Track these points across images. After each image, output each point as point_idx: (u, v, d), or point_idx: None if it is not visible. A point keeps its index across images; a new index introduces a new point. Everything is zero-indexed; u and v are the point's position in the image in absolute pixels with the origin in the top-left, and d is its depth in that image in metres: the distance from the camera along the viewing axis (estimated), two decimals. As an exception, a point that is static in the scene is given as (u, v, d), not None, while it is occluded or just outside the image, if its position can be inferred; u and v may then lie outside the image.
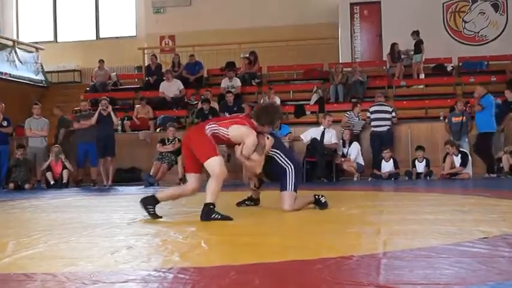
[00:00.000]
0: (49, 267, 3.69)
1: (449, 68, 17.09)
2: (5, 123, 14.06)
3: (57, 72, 20.98)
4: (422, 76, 16.70)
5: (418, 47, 16.52)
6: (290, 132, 13.33)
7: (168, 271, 3.45)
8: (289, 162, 6.56)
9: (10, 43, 19.03)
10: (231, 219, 5.72)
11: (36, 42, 20.79)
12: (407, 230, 4.96)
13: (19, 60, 18.57)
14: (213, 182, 5.82)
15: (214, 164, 5.84)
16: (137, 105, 16.12)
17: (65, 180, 13.40)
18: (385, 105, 13.88)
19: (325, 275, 3.32)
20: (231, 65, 17.51)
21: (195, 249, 4.24)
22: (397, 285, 2.99)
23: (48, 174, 13.40)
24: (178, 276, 3.33)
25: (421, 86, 16.55)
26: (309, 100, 16.09)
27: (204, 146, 5.92)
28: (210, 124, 6.13)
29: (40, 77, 19.44)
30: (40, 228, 5.66)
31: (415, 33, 16.56)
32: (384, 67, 17.59)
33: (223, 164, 5.89)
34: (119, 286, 3.17)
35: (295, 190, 6.51)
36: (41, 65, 19.65)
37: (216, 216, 5.69)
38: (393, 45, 16.76)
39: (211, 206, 5.73)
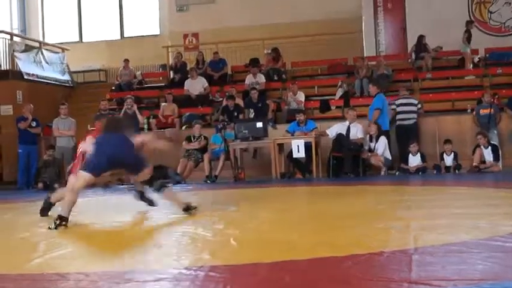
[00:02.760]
0: (81, 267, 3.72)
1: (476, 60, 16.88)
2: (34, 124, 14.22)
3: (83, 72, 21.07)
4: (470, 67, 16.50)
5: (469, 38, 16.32)
6: (316, 128, 13.26)
7: (199, 269, 3.46)
8: None
9: (36, 44, 19.18)
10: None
11: (62, 43, 20.92)
12: (437, 224, 4.92)
13: (45, 61, 18.70)
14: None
15: None
16: (163, 104, 16.14)
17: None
18: (411, 98, 13.75)
19: (356, 272, 3.31)
20: (255, 62, 17.47)
21: (224, 247, 4.25)
22: (430, 281, 2.96)
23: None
24: (210, 275, 3.34)
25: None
26: (334, 95, 16.00)
27: None
28: None
29: (66, 77, 19.56)
30: (70, 228, 5.70)
31: (470, 23, 16.43)
32: (409, 60, 17.45)
33: None
34: (151, 285, 3.19)
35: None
36: (67, 66, 19.79)
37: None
38: (420, 37, 16.57)
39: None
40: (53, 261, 3.97)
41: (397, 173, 12.68)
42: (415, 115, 13.42)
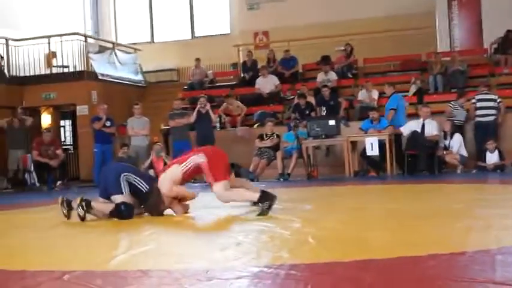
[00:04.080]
0: (163, 264, 3.78)
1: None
2: (108, 124, 14.52)
3: (155, 72, 21.43)
4: None
5: None
6: (390, 125, 13.10)
7: (279, 267, 3.46)
8: None
9: (110, 45, 19.61)
10: None
11: (134, 44, 21.34)
12: (520, 224, 4.80)
13: (119, 61, 19.10)
14: None
15: None
16: (224, 103, 16.16)
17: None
18: (490, 94, 13.40)
19: (438, 272, 3.25)
20: (326, 59, 17.41)
21: (302, 245, 4.24)
22: (517, 282, 2.89)
23: (151, 172, 13.72)
24: (290, 273, 3.34)
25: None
26: (407, 92, 15.78)
27: None
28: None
29: (139, 77, 19.94)
30: (149, 225, 5.81)
31: None
32: (485, 55, 17.02)
33: None
34: (233, 283, 3.20)
35: None
36: (140, 66, 20.16)
37: None
38: (508, 32, 16.04)
39: None
40: (135, 258, 4.05)
41: (474, 171, 12.41)
42: (495, 111, 13.09)
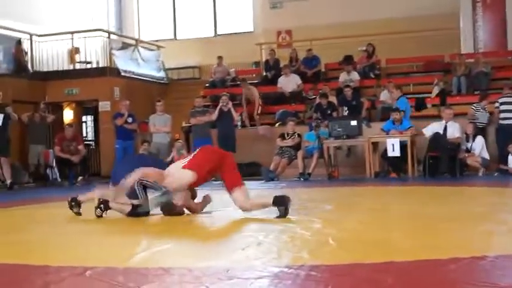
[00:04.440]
0: (183, 262, 3.80)
1: None
2: (130, 120, 14.58)
3: (177, 69, 21.48)
4: None
5: None
6: (412, 127, 13.04)
7: (300, 268, 3.47)
8: None
9: (133, 42, 19.69)
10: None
11: (157, 41, 21.41)
12: (543, 229, 4.76)
13: (141, 58, 19.18)
14: None
15: None
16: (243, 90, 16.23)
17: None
18: (514, 96, 13.30)
19: (459, 276, 3.25)
20: (348, 59, 17.37)
21: (323, 246, 4.24)
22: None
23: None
24: (310, 274, 3.35)
25: None
26: (430, 93, 15.70)
27: None
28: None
29: (161, 74, 20.00)
30: (168, 224, 5.83)
31: None
32: (509, 57, 16.86)
33: None
34: (253, 282, 3.21)
35: None
36: (162, 63, 20.22)
37: None
38: None
39: None
40: (155, 256, 4.08)
41: (496, 174, 12.32)
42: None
